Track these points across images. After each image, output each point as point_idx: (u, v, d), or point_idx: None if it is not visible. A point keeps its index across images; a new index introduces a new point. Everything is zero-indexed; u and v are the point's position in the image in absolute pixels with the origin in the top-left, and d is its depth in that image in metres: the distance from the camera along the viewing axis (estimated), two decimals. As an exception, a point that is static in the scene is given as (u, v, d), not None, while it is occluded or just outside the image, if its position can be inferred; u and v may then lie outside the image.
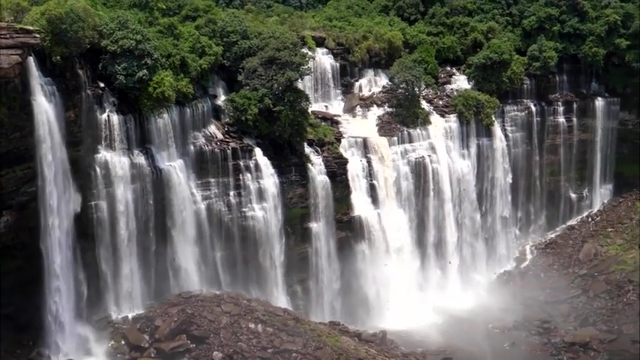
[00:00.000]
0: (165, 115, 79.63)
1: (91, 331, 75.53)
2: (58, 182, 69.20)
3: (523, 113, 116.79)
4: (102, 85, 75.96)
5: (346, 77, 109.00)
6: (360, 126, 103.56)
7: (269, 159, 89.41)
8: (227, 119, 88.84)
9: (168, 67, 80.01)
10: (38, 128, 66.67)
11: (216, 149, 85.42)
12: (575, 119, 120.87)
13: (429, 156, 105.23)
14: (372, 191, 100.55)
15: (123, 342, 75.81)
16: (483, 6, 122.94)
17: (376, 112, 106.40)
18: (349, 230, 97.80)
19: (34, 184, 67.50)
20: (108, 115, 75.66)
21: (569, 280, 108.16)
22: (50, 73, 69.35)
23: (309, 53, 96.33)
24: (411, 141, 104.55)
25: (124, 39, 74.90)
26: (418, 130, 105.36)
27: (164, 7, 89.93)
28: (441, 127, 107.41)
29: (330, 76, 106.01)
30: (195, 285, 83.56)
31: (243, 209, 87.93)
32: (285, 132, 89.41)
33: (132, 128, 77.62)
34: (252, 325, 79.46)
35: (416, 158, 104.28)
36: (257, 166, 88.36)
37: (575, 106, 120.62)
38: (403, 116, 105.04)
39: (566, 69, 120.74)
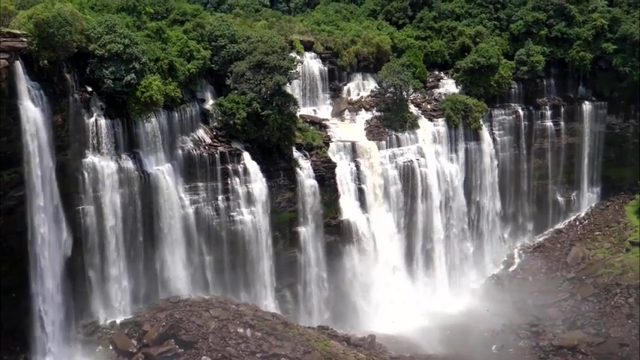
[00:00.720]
0: (153, 120, 79.45)
1: (79, 337, 75.30)
2: (46, 187, 68.97)
3: (511, 117, 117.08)
4: (89, 89, 75.77)
5: (334, 81, 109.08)
6: (348, 130, 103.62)
7: (257, 163, 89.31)
8: (215, 123, 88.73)
9: (156, 71, 79.91)
10: (25, 132, 66.47)
11: (204, 153, 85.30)
12: (562, 123, 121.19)
13: (418, 160, 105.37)
14: (361, 195, 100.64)
15: (111, 347, 75.63)
16: (471, 10, 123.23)
17: (364, 116, 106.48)
18: (338, 234, 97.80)
19: (22, 188, 67.23)
20: (95, 120, 75.45)
21: (557, 284, 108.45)
22: (37, 77, 69.21)
23: (298, 57, 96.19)
24: (399, 145, 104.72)
25: (111, 43, 74.72)
26: (406, 134, 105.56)
27: (152, 11, 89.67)
28: (429, 131, 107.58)
29: (318, 80, 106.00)
30: (183, 290, 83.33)
31: (232, 213, 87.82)
32: (274, 136, 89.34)
33: (120, 132, 77.44)
34: (240, 330, 79.35)
35: (404, 162, 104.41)
36: (245, 171, 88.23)
37: (562, 110, 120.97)
38: (391, 120, 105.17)
39: (553, 73, 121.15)
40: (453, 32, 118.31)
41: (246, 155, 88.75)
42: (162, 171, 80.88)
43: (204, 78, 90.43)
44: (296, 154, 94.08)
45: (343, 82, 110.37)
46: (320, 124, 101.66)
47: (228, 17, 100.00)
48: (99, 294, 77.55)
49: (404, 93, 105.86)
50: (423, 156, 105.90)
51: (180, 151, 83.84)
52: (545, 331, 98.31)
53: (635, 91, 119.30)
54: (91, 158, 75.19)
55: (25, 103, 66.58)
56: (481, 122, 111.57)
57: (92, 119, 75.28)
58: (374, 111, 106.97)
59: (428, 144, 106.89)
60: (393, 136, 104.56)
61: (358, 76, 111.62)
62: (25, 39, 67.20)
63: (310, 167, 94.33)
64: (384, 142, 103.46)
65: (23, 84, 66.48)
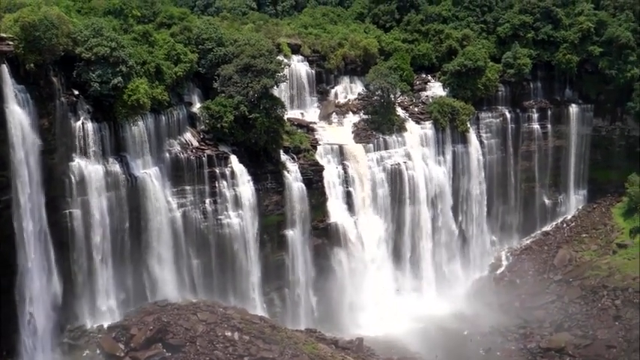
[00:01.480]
0: (141, 123, 79.36)
1: (66, 341, 75.04)
2: (33, 190, 68.73)
3: (498, 120, 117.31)
4: (76, 92, 75.55)
5: (322, 84, 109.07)
6: (335, 133, 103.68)
7: (245, 166, 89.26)
8: (202, 127, 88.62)
9: (143, 74, 79.75)
10: (12, 136, 66.35)
11: (191, 157, 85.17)
12: (549, 126, 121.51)
13: (405, 163, 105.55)
14: (348, 198, 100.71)
15: (98, 351, 75.46)
16: (458, 13, 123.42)
17: (352, 119, 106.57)
18: (325, 237, 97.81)
19: (9, 192, 67.05)
20: (82, 123, 75.25)
21: (544, 286, 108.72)
22: (24, 80, 68.99)
23: (285, 60, 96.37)
24: (386, 148, 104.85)
25: (98, 46, 74.56)
26: (394, 136, 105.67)
27: (139, 14, 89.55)
28: (417, 133, 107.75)
29: (305, 83, 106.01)
30: (171, 293, 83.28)
31: (219, 217, 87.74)
32: (261, 139, 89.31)
33: (106, 136, 77.30)
34: (228, 333, 79.30)
35: (392, 165, 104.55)
36: (233, 174, 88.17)
37: (549, 112, 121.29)
38: (379, 123, 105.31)
39: (540, 76, 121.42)
40: (440, 35, 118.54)
41: (233, 158, 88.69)
42: (150, 174, 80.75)
43: (191, 81, 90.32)
44: (283, 157, 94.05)
45: (331, 85, 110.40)
46: (307, 127, 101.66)
47: (215, 20, 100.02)
48: (86, 298, 77.31)
49: (391, 96, 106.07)
50: (410, 159, 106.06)
51: (167, 155, 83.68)
52: (533, 333, 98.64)
53: (622, 94, 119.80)
54: (77, 162, 74.97)
55: (12, 107, 66.45)
56: (468, 125, 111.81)
57: (79, 123, 75.08)
58: (361, 114, 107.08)
59: (415, 147, 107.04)
60: (381, 139, 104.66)
61: (345, 79, 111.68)
62: (11, 42, 67.08)
63: (298, 170, 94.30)
64: (371, 145, 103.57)
65: (9, 87, 66.32)
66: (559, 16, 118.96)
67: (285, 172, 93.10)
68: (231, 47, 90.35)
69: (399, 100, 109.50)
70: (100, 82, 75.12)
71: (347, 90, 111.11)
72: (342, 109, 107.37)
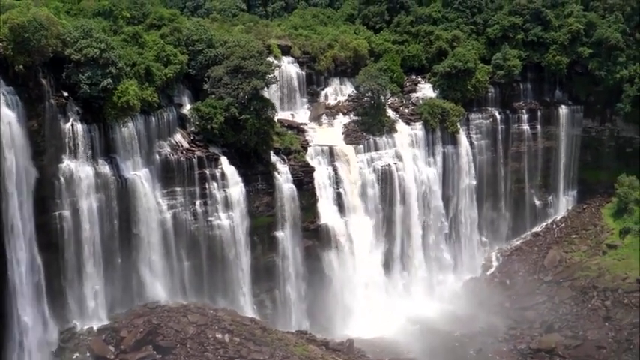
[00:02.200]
0: (130, 124, 79.18)
1: (55, 343, 74.76)
2: (22, 192, 68.51)
3: (488, 121, 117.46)
4: (66, 94, 75.38)
5: (312, 86, 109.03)
6: (326, 134, 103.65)
7: (235, 168, 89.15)
8: (193, 128, 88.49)
9: (133, 75, 79.59)
10: (1, 138, 66.00)
11: (181, 158, 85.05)
12: (539, 127, 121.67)
13: (395, 164, 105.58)
14: (339, 199, 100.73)
15: (88, 353, 75.20)
16: (448, 15, 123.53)
17: (342, 120, 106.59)
18: (316, 239, 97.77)
19: (-3, 194, 66.85)
20: (72, 125, 75.07)
21: (534, 287, 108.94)
22: (13, 82, 68.82)
23: (275, 62, 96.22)
24: (377, 149, 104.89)
25: (88, 48, 74.37)
26: (384, 138, 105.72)
27: (128, 15, 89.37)
28: (407, 135, 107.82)
29: (295, 84, 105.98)
30: (161, 295, 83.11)
31: (210, 218, 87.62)
32: (251, 141, 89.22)
33: (96, 137, 77.11)
34: (218, 335, 79.19)
35: (382, 166, 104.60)
36: (223, 175, 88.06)
37: (539, 113, 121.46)
38: (369, 124, 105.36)
39: (530, 77, 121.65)
40: (430, 37, 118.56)
41: (223, 160, 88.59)
42: (140, 176, 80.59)
43: (181, 83, 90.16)
44: (274, 158, 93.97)
45: (321, 86, 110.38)
46: (298, 129, 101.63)
47: (205, 22, 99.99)
48: (75, 300, 77.13)
49: (381, 97, 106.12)
50: (400, 160, 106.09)
51: (157, 156, 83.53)
52: (523, 334, 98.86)
53: (611, 95, 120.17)
54: (67, 163, 74.81)
55: (1, 109, 66.18)
56: (458, 126, 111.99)
57: (68, 124, 74.90)
58: (352, 115, 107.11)
59: (405, 148, 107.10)
60: (371, 141, 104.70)
61: (336, 81, 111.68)
62: (0, 43, 66.72)
63: (288, 172, 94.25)
64: (361, 147, 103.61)
65: (-2, 89, 66.17)
66: (548, 17, 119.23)
67: (276, 174, 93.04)
68: (222, 49, 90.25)
69: (389, 101, 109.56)
70: (90, 84, 74.92)
71: (337, 91, 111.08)
72: (333, 111, 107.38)
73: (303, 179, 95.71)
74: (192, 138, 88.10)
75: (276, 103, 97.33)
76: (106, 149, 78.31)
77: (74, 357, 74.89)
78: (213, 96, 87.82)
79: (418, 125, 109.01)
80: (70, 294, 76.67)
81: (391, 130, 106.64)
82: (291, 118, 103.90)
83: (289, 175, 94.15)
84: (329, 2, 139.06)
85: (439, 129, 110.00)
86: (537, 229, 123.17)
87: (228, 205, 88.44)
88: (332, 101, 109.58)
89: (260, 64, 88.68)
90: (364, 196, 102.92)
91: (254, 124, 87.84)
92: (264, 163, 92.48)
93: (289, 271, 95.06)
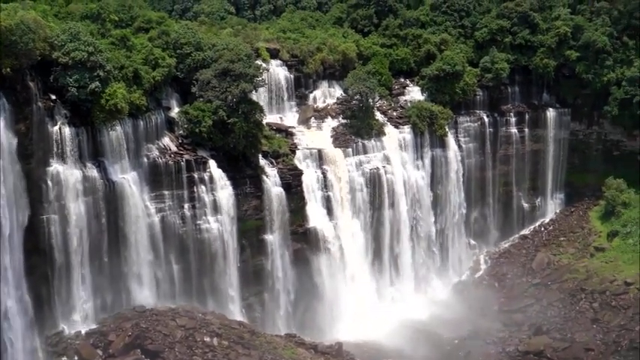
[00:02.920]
0: (118, 128, 78.82)
1: (43, 347, 74.41)
2: (10, 195, 68.18)
3: (476, 124, 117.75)
4: (53, 97, 75.05)
5: (300, 89, 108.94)
6: (314, 137, 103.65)
7: (223, 171, 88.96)
8: (181, 131, 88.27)
9: (121, 79, 79.31)
10: (-12, 141, 65.78)
11: (170, 161, 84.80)
12: (527, 130, 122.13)
13: (384, 167, 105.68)
14: (328, 202, 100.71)
15: (76, 357, 74.85)
16: (436, 18, 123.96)
17: (331, 123, 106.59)
18: (305, 242, 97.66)
19: (-16, 197, 66.50)
20: (60, 128, 74.71)
21: (522, 289, 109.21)
22: (0, 85, 68.25)
23: (263, 65, 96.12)
24: (365, 152, 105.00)
25: (75, 51, 74.10)
26: (372, 141, 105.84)
27: (116, 18, 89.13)
28: (395, 138, 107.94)
29: (284, 87, 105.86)
30: (149, 299, 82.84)
31: (198, 222, 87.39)
32: (240, 144, 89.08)
33: (84, 141, 76.72)
34: (207, 339, 79.05)
35: (371, 169, 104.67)
36: (211, 179, 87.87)
37: (526, 116, 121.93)
38: (358, 128, 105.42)
39: (517, 80, 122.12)
40: (418, 40, 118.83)
41: (212, 163, 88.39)
42: (128, 179, 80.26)
43: (169, 86, 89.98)
44: (262, 161, 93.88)
45: (309, 89, 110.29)
46: (286, 132, 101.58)
47: (193, 25, 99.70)
48: (63, 304, 76.70)
49: (370, 100, 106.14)
50: (389, 163, 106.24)
51: (145, 160, 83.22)
52: (512, 336, 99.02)
53: (598, 98, 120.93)
54: (55, 167, 74.40)
55: (-12, 112, 65.96)
56: (447, 129, 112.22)
57: (56, 127, 74.53)
58: (340, 118, 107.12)
59: (394, 151, 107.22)
60: (360, 144, 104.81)
61: (324, 84, 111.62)
62: (-13, 47, 66.56)
63: (277, 175, 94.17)
64: (350, 150, 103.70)
65: (-15, 92, 65.85)
66: (536, 20, 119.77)
67: (264, 177, 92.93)
68: (210, 52, 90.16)
69: (377, 104, 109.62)
70: (78, 87, 74.60)
71: (326, 94, 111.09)
72: (321, 114, 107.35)
73: (292, 182, 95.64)
74: (180, 141, 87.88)
75: (265, 107, 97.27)
76: (94, 152, 77.92)
77: (62, 361, 74.68)
78: (201, 99, 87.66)
79: (406, 128, 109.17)
80: (58, 298, 76.24)
81: (380, 133, 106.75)
82: (279, 122, 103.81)
83: (278, 179, 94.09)
84: (317, 5, 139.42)
85: (427, 132, 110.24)
86: (525, 231, 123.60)
87: (216, 208, 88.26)
88: (320, 104, 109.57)
89: (248, 67, 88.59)
90: (353, 199, 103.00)
91: (242, 127, 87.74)
92: (252, 167, 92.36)
93: (278, 275, 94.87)
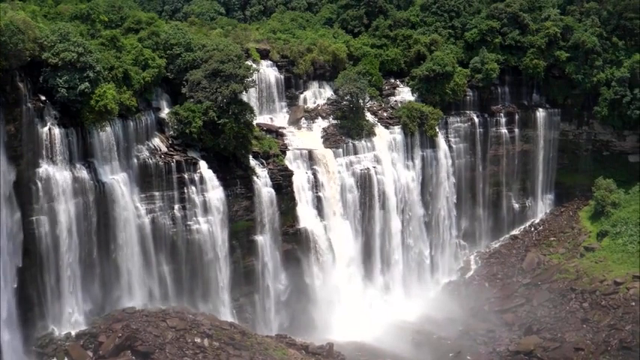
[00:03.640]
0: (108, 129, 78.75)
1: (33, 349, 74.23)
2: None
3: (466, 124, 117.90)
4: (43, 98, 74.94)
5: (291, 89, 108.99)
6: (305, 138, 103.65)
7: (214, 172, 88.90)
8: (171, 132, 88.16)
9: (111, 79, 79.22)
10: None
11: (160, 162, 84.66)
12: (517, 130, 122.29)
13: (374, 167, 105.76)
14: (318, 203, 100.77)
15: (66, 359, 74.51)
16: (426, 19, 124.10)
17: (321, 124, 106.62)
18: (295, 242, 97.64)
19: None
20: (49, 129, 74.57)
21: (513, 289, 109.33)
22: (-11, 86, 68.24)
23: (254, 65, 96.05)
24: (356, 153, 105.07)
25: (65, 52, 74.01)
26: (363, 141, 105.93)
27: (106, 19, 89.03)
28: (386, 138, 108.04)
29: (274, 88, 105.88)
30: (140, 300, 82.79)
31: (188, 222, 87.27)
32: (230, 144, 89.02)
33: (74, 142, 76.63)
34: (198, 340, 78.96)
35: (361, 170, 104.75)
36: (202, 179, 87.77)
37: (517, 117, 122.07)
38: (348, 128, 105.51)
39: (507, 81, 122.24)
40: (408, 40, 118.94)
41: (202, 164, 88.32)
42: (118, 180, 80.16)
43: (159, 86, 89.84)
44: (253, 162, 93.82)
45: (300, 90, 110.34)
46: (277, 133, 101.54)
47: (183, 25, 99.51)
48: (53, 305, 76.59)
49: (360, 101, 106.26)
50: (379, 163, 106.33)
51: (135, 160, 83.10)
52: (502, 336, 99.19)
53: (588, 99, 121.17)
54: (44, 168, 74.29)
55: (-23, 113, 65.77)
56: (437, 130, 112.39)
57: (46, 128, 74.42)
58: (330, 119, 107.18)
59: (384, 151, 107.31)
60: (350, 144, 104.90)
61: (314, 84, 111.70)
62: (-24, 47, 66.39)
63: (267, 175, 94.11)
64: (340, 150, 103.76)
65: (-25, 93, 65.65)
66: (526, 21, 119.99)
67: (255, 178, 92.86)
68: (200, 52, 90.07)
69: (368, 105, 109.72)
70: (67, 88, 74.54)
71: (316, 95, 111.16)
72: (311, 114, 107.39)
73: (282, 183, 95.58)
74: (170, 142, 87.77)
75: (255, 107, 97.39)
76: (83, 153, 77.84)
77: (52, 363, 74.49)
78: (191, 100, 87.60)
79: (397, 129, 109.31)
80: (48, 299, 76.07)
81: (370, 133, 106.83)
82: (270, 122, 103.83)
83: (268, 179, 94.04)
84: (307, 6, 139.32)
85: (418, 133, 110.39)
86: (516, 232, 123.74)
87: (207, 209, 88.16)
88: (311, 105, 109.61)
89: (238, 67, 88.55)
90: (343, 199, 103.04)
91: (233, 128, 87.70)
92: (243, 167, 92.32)
93: (269, 275, 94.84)
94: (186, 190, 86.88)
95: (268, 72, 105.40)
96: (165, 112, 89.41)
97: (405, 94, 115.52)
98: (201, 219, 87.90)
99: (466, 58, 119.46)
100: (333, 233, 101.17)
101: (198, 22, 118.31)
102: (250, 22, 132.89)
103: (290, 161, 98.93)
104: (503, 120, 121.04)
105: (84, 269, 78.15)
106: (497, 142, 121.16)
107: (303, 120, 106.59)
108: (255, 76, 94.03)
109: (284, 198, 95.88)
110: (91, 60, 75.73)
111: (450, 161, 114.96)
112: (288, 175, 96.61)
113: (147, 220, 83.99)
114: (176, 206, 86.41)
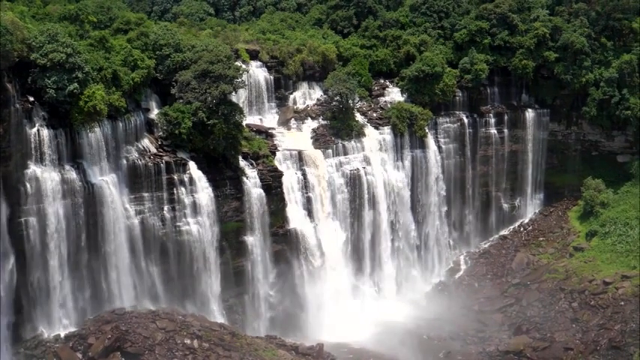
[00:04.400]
0: (97, 129, 78.52)
1: (22, 351, 73.96)
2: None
3: (455, 125, 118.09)
4: (31, 99, 74.69)
5: (280, 90, 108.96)
6: (294, 139, 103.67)
7: (203, 173, 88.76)
8: (160, 133, 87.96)
9: (100, 80, 79.04)
10: (-35, 143, 65.34)
11: (149, 163, 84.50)
12: (506, 130, 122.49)
13: (364, 168, 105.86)
14: (308, 204, 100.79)
15: (55, 361, 74.42)
16: (415, 19, 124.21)
17: (311, 124, 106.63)
18: (285, 243, 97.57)
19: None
20: (38, 130, 74.36)
21: (502, 289, 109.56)
22: (-23, 87, 67.99)
23: (243, 66, 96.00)
24: (345, 153, 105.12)
25: (53, 52, 73.79)
26: (353, 142, 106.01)
27: (95, 20, 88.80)
28: (375, 139, 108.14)
29: (264, 89, 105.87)
30: (129, 301, 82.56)
31: (178, 224, 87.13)
32: (220, 145, 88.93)
33: (63, 143, 76.39)
34: (187, 341, 78.80)
35: (351, 170, 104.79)
36: (191, 180, 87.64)
37: (506, 117, 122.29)
38: (338, 129, 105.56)
39: (497, 81, 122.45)
40: (397, 41, 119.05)
41: (191, 165, 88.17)
42: (107, 181, 79.94)
43: (148, 87, 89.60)
44: (242, 163, 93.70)
45: (289, 90, 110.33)
46: (266, 133, 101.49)
47: (172, 26, 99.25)
48: (42, 307, 76.37)
49: (350, 101, 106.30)
50: (369, 164, 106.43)
51: (124, 161, 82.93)
52: (492, 336, 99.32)
53: (577, 99, 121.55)
54: (33, 169, 74.07)
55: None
56: (426, 130, 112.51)
57: (34, 129, 74.21)
58: (320, 119, 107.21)
59: (374, 152, 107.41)
60: (340, 145, 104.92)
61: (304, 85, 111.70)
62: (-36, 48, 66.13)
63: (257, 176, 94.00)
64: (330, 151, 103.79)
65: (-38, 94, 65.38)
66: (515, 22, 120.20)
67: (244, 178, 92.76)
68: (189, 53, 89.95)
69: (357, 105, 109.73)
70: (56, 89, 74.32)
71: (306, 96, 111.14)
72: (301, 115, 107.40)
73: (272, 184, 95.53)
74: (160, 143, 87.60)
75: (245, 108, 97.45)
76: (72, 154, 77.64)
77: (41, 365, 74.22)
78: (181, 101, 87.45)
79: (386, 129, 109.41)
80: (37, 301, 75.84)
81: (360, 134, 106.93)
82: (259, 123, 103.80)
83: (258, 180, 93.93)
84: (297, 7, 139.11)
85: (407, 133, 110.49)
86: (505, 232, 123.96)
87: (196, 210, 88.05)
88: (300, 105, 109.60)
89: (228, 68, 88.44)
90: (333, 200, 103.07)
91: (222, 128, 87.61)
92: (232, 168, 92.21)
93: (259, 276, 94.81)
94: (175, 191, 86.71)
95: (258, 73, 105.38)
96: (154, 113, 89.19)
97: (394, 94, 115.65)
98: (190, 220, 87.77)
99: (455, 58, 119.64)
100: (323, 234, 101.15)
101: (187, 23, 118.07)
102: (240, 23, 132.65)
103: (280, 162, 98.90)
104: (492, 120, 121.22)
105: (73, 270, 77.92)
106: (487, 143, 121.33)
107: (292, 121, 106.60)
108: (244, 77, 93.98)
109: (274, 199, 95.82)
110: (79, 61, 75.54)
111: (439, 162, 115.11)
112: (277, 175, 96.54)
113: (136, 221, 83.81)
114: (165, 207, 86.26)
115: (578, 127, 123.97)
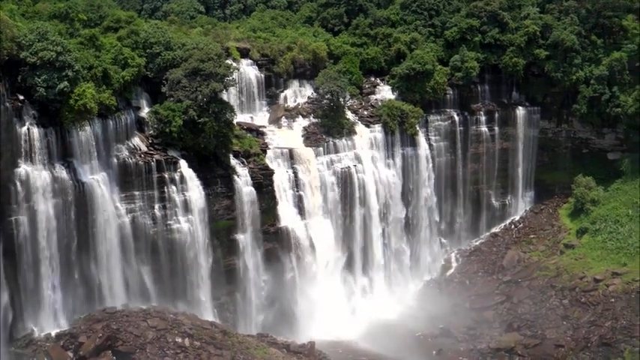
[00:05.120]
0: (88, 128, 78.28)
1: (13, 350, 73.76)
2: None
3: (446, 123, 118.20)
4: (21, 97, 74.39)
5: (271, 88, 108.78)
6: (285, 137, 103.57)
7: (194, 171, 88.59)
8: (151, 131, 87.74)
9: (90, 79, 78.81)
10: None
11: (140, 162, 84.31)
12: (497, 128, 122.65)
13: (355, 166, 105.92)
14: (299, 202, 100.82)
15: (46, 360, 74.24)
16: (406, 17, 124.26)
17: (302, 122, 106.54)
18: (276, 241, 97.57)
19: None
20: (28, 128, 74.12)
21: (493, 287, 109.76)
22: (-33, 86, 67.73)
23: (234, 64, 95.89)
24: (336, 151, 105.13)
25: (43, 50, 73.55)
26: (344, 140, 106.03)
27: (85, 18, 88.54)
28: (366, 137, 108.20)
29: (254, 87, 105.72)
30: (120, 300, 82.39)
31: (169, 222, 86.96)
32: (211, 144, 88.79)
33: (53, 141, 76.16)
34: (179, 340, 78.69)
35: (342, 168, 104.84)
36: (182, 179, 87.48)
37: (496, 115, 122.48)
38: (328, 127, 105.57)
39: (487, 79, 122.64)
40: (388, 39, 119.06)
41: (182, 163, 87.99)
42: (98, 180, 79.73)
43: (139, 85, 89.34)
44: (233, 161, 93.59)
45: (280, 88, 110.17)
46: (257, 131, 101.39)
47: (163, 24, 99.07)
48: (33, 306, 76.07)
49: (341, 99, 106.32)
50: (360, 162, 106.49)
51: (115, 160, 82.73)
52: (483, 334, 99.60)
53: (567, 97, 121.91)
54: (23, 168, 73.84)
55: (-46, 113, 65.25)
56: (417, 128, 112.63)
57: (24, 128, 73.95)
58: (311, 117, 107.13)
59: (365, 150, 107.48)
60: (331, 143, 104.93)
61: (295, 83, 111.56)
62: (-47, 47, 65.88)
63: (248, 174, 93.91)
64: (321, 149, 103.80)
65: (-49, 93, 65.15)
66: (505, 19, 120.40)
67: (235, 177, 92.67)
68: (180, 51, 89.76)
69: (348, 103, 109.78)
70: (46, 87, 74.04)
71: (296, 94, 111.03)
72: (292, 113, 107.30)
73: (263, 182, 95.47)
74: (150, 141, 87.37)
75: (235, 106, 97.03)
76: (63, 153, 77.39)
77: (32, 364, 74.02)
78: (171, 99, 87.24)
79: (377, 127, 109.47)
80: (28, 300, 75.58)
81: (350, 132, 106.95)
82: (250, 121, 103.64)
83: (249, 178, 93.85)
84: (287, 5, 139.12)
85: (398, 131, 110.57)
86: (496, 229, 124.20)
87: (187, 208, 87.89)
88: (291, 104, 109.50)
89: (219, 66, 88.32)
90: (324, 198, 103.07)
91: (213, 127, 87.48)
92: (223, 166, 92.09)
93: (250, 275, 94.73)
94: (166, 190, 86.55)
95: (248, 71, 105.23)
96: (145, 112, 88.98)
97: (385, 92, 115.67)
98: (181, 218, 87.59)
99: (446, 56, 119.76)
100: (314, 232, 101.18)
101: (177, 21, 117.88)
102: (230, 21, 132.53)
103: (271, 160, 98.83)
104: (483, 118, 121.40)
105: (64, 269, 77.67)
106: (478, 141, 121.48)
107: (283, 119, 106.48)
108: (235, 75, 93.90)
109: (265, 197, 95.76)
110: (69, 59, 75.30)
111: (430, 159, 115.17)
112: (268, 174, 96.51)
113: (127, 219, 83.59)
114: (156, 206, 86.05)
115: (569, 124, 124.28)
